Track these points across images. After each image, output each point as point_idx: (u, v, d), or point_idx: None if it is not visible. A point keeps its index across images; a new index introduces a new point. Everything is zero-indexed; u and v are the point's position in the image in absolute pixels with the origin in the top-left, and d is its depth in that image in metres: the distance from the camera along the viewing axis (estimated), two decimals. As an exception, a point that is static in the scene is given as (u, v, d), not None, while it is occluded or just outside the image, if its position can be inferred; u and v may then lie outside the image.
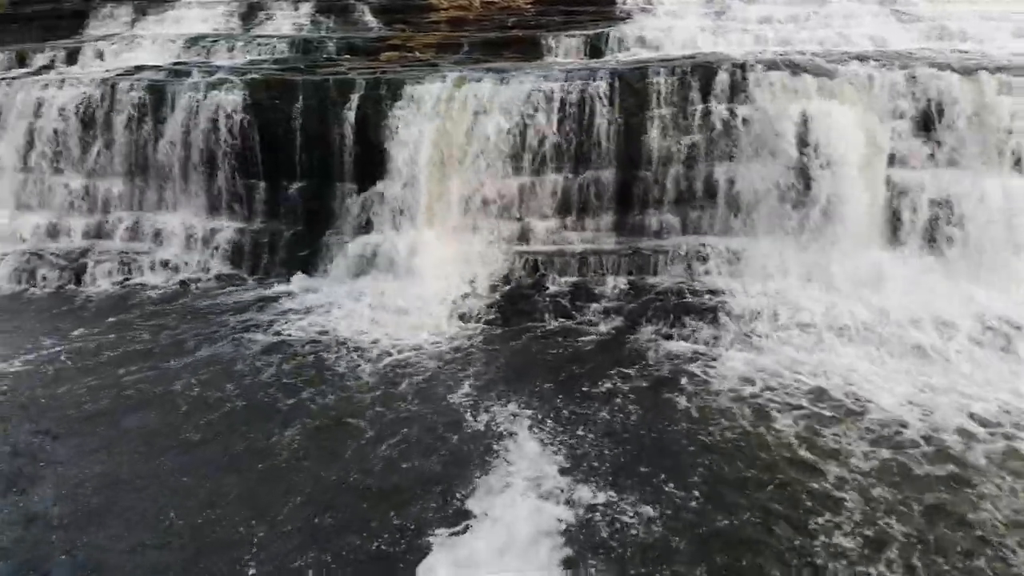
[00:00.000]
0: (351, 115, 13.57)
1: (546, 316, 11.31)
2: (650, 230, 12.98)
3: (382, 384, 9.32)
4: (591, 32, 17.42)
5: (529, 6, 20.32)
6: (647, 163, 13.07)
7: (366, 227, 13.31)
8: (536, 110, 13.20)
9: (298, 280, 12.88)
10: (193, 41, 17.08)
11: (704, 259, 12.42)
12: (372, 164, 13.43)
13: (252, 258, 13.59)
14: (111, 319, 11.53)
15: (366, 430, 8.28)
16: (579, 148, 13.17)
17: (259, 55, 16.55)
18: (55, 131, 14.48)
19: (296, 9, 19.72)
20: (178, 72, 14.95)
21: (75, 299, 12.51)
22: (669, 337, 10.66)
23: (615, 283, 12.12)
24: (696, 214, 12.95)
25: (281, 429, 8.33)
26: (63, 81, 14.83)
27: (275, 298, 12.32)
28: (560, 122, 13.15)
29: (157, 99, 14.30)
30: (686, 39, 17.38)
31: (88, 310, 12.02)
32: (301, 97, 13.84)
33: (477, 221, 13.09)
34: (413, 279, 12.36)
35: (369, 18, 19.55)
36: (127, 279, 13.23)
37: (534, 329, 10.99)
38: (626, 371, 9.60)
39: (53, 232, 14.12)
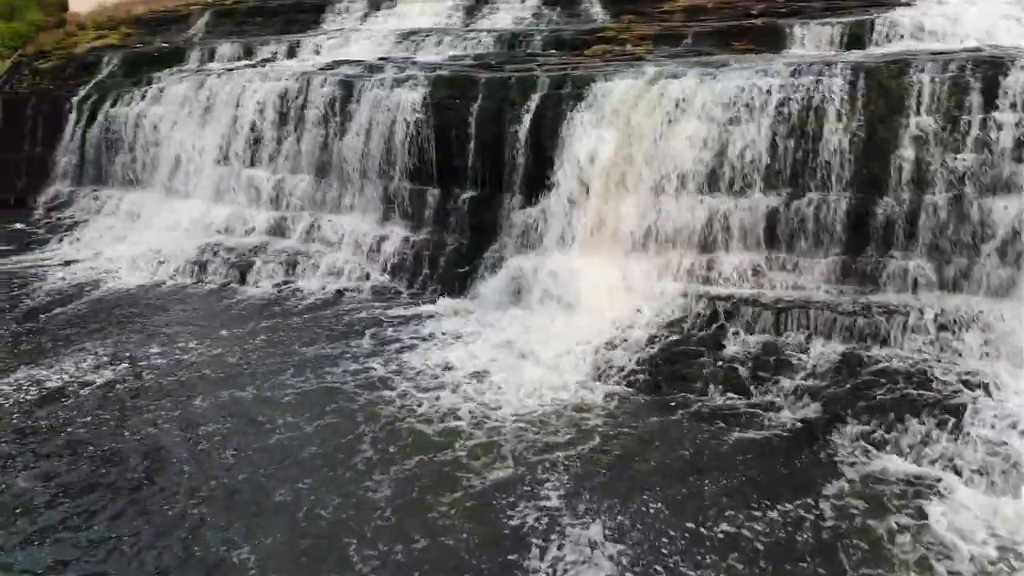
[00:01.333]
0: (527, 118, 11.80)
1: (711, 388, 8.62)
2: (889, 280, 9.64)
3: (435, 470, 7.31)
4: (851, 19, 13.93)
5: (788, -9, 17.05)
6: (895, 188, 9.74)
7: (528, 246, 11.48)
8: (746, 113, 10.43)
9: (444, 303, 11.43)
10: (405, 36, 16.41)
11: (962, 329, 8.89)
12: (543, 174, 11.56)
13: (412, 270, 12.40)
14: (253, 324, 10.92)
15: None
16: (800, 163, 10.17)
17: (464, 50, 15.39)
18: (253, 123, 14.45)
19: (522, 1, 18.37)
20: (373, 68, 14.22)
21: (232, 298, 12.19)
22: (882, 445, 7.48)
23: (822, 351, 9.04)
24: (959, 264, 9.37)
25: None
26: (267, 74, 14.79)
27: (419, 319, 10.97)
28: (777, 130, 10.24)
29: (346, 95, 13.65)
30: (981, 29, 13.22)
31: (238, 312, 11.57)
32: (480, 96, 12.36)
33: (654, 249, 10.66)
34: (563, 314, 10.30)
35: (597, 9, 17.59)
36: (288, 282, 12.70)
37: (690, 404, 8.39)
38: (801, 499, 6.71)
39: (238, 226, 14.09)
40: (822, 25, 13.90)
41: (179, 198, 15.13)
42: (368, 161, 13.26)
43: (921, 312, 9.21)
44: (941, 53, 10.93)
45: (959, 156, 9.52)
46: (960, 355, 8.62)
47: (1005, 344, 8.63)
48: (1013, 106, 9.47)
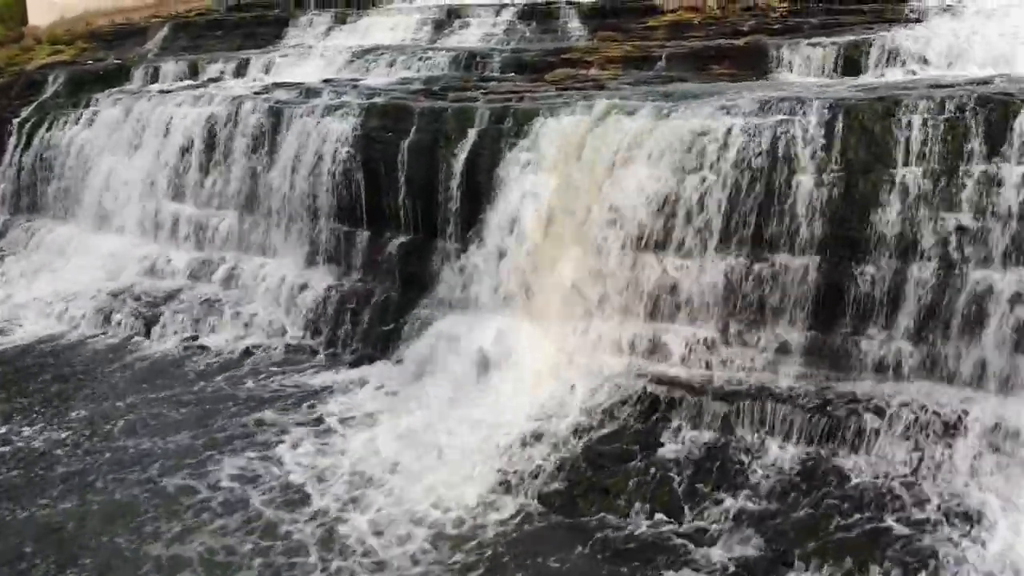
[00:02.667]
0: (462, 155, 10.32)
1: (636, 507, 7.02)
2: (864, 365, 8.00)
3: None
4: (845, 39, 12.26)
5: (783, 3, 15.39)
6: (876, 252, 8.10)
7: (459, 304, 10.00)
8: (704, 159, 8.84)
9: (357, 373, 10.00)
10: (359, 55, 14.99)
11: (950, 434, 7.23)
12: (479, 220, 10.08)
13: (333, 325, 10.96)
14: (131, 398, 9.55)
15: None
16: (764, 219, 8.56)
17: (416, 72, 13.94)
18: (180, 153, 13.15)
19: (497, 15, 16.85)
20: (309, 92, 12.82)
21: (125, 358, 10.85)
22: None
23: (777, 457, 7.43)
24: (951, 349, 7.71)
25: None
26: (199, 98, 13.47)
27: (323, 393, 9.52)
28: (738, 180, 8.64)
29: (274, 123, 12.27)
30: (997, 53, 11.51)
31: (121, 379, 10.22)
32: (414, 129, 10.89)
33: (596, 315, 9.11)
34: (487, 392, 8.80)
35: (574, 24, 16.04)
36: (194, 337, 11.33)
37: (607, 531, 6.79)
38: None
39: (157, 267, 12.80)
40: (813, 47, 12.25)
41: (106, 232, 13.87)
42: (295, 198, 11.86)
43: (901, 409, 7.57)
44: (942, 86, 9.25)
45: (954, 216, 7.87)
46: (947, 470, 6.97)
47: (1006, 457, 6.97)
48: (1015, 156, 7.80)
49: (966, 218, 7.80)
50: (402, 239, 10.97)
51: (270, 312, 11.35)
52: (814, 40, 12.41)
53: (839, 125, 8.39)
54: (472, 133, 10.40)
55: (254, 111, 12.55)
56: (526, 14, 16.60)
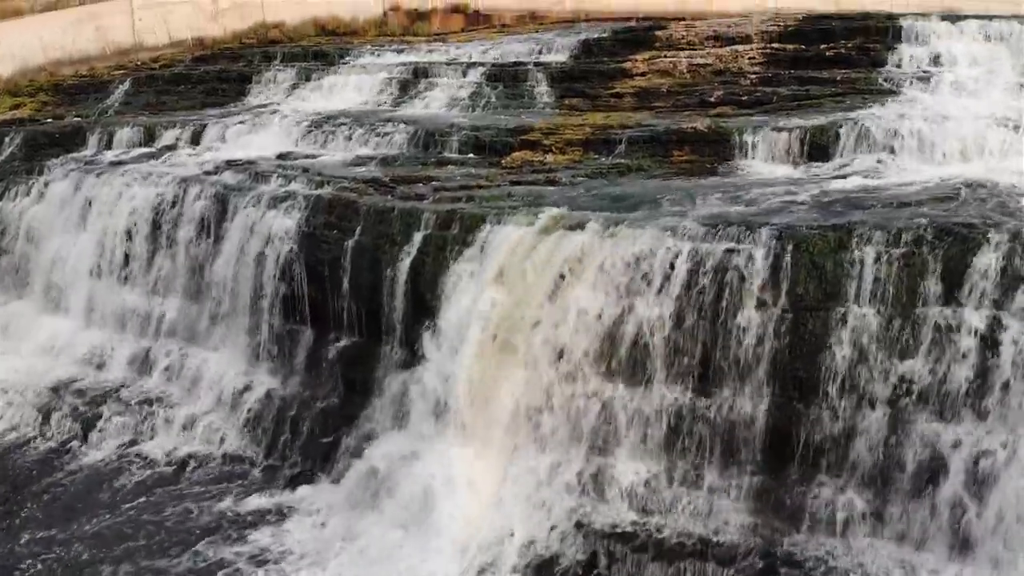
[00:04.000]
0: (406, 262, 9.91)
1: None
2: (815, 518, 7.59)
3: None
4: (812, 123, 11.84)
5: (754, 68, 14.97)
6: (826, 396, 7.69)
7: (401, 422, 9.59)
8: (649, 284, 8.43)
9: (292, 497, 9.56)
10: (317, 124, 14.52)
11: (900, 607, 6.84)
12: (423, 330, 9.66)
13: (274, 433, 10.54)
14: (48, 531, 9.09)
15: None
16: (711, 352, 8.14)
17: (373, 148, 13.48)
18: (126, 234, 12.72)
19: (464, 75, 16.40)
20: (259, 176, 12.36)
21: (61, 469, 10.43)
22: None
23: (717, 626, 7.02)
24: (901, 507, 7.30)
25: None
26: (147, 176, 13.04)
27: (255, 523, 9.10)
28: (685, 308, 8.23)
29: (220, 211, 11.86)
30: (970, 138, 11.11)
31: (51, 499, 9.77)
32: (358, 230, 10.47)
33: (538, 446, 8.70)
34: (418, 535, 8.38)
35: (543, 88, 15.59)
36: (134, 442, 10.92)
37: None
38: None
39: (101, 356, 12.39)
40: (777, 131, 11.83)
41: (53, 314, 13.44)
42: (239, 291, 11.44)
43: (857, 569, 7.16)
44: (902, 204, 8.80)
45: (907, 363, 7.45)
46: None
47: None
48: (980, 301, 7.39)
49: (920, 366, 7.40)
50: (345, 342, 10.56)
51: (211, 416, 10.92)
52: (779, 124, 11.97)
53: (788, 258, 7.98)
54: (417, 238, 9.98)
55: (200, 196, 12.13)
56: (494, 76, 16.16)
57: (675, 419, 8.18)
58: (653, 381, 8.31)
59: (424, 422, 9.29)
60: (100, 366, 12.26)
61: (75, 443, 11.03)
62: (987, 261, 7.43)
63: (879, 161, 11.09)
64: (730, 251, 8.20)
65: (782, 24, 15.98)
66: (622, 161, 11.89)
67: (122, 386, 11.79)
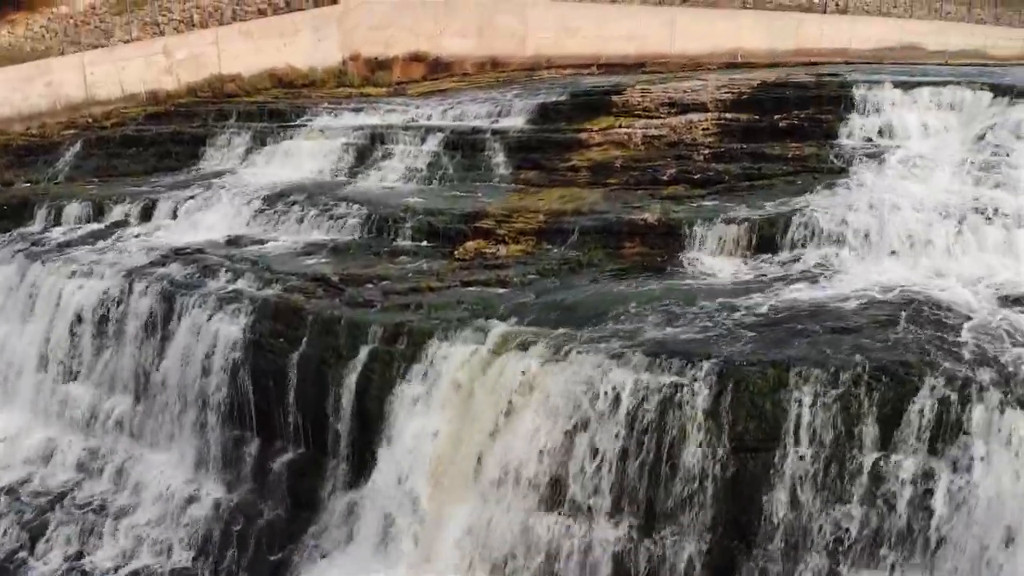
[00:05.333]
0: (352, 378, 9.82)
1: None
2: (754, 662, 7.64)
3: None
4: (761, 214, 11.93)
5: (708, 140, 15.03)
6: (765, 541, 7.73)
7: (346, 544, 9.50)
8: (594, 415, 8.42)
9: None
10: (270, 201, 14.34)
11: None
12: (370, 448, 9.60)
13: (220, 547, 10.39)
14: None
15: None
16: (653, 489, 8.16)
17: (326, 232, 13.37)
18: (72, 328, 12.49)
19: (422, 143, 16.28)
20: (207, 269, 12.19)
21: (4, 586, 10.24)
22: None
23: None
24: (841, 661, 7.36)
25: None
26: (93, 267, 12.81)
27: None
28: (628, 442, 8.23)
29: (166, 309, 11.69)
30: (917, 231, 11.25)
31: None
32: (304, 340, 10.36)
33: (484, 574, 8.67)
34: None
35: (500, 159, 15.54)
36: (81, 555, 10.73)
37: None
38: None
39: (49, 456, 12.15)
40: (727, 224, 11.89)
41: (1, 408, 13.15)
42: (186, 393, 11.30)
43: None
44: (845, 330, 8.84)
45: (842, 508, 7.52)
46: None
47: None
48: (914, 448, 7.47)
49: (856, 511, 7.46)
50: (292, 455, 10.45)
51: (158, 529, 10.75)
52: (729, 215, 12.03)
53: (728, 397, 8.01)
54: (364, 352, 9.89)
55: (146, 293, 11.95)
56: (451, 144, 16.07)
57: (619, 557, 8.17)
58: (599, 517, 8.30)
59: (372, 544, 9.23)
60: (47, 465, 12.03)
61: (22, 554, 10.81)
62: (922, 407, 7.50)
63: (825, 257, 11.23)
64: (674, 385, 8.20)
65: (737, 91, 16.03)
66: (574, 255, 11.88)
67: (71, 489, 11.58)
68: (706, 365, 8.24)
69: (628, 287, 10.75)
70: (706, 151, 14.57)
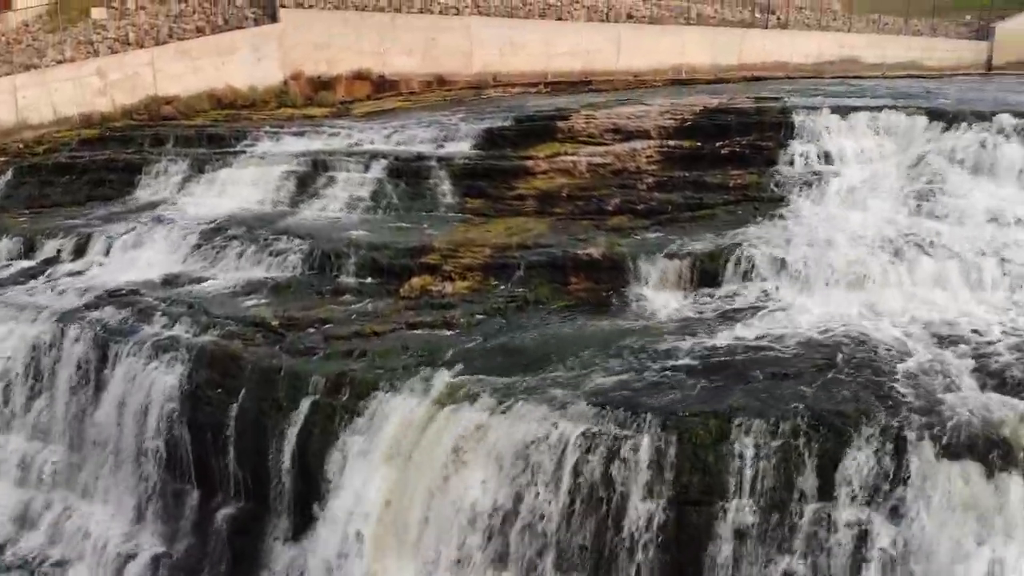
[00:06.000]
0: (293, 432, 9.62)
1: None
2: None
3: None
4: (703, 248, 12.03)
5: (652, 169, 15.11)
6: (710, 593, 7.77)
7: (291, 604, 9.31)
8: (537, 471, 8.37)
9: None
10: (206, 238, 13.98)
11: None
12: (312, 503, 9.40)
13: (160, 608, 10.12)
14: None
15: None
16: (600, 546, 8.14)
17: (266, 270, 13.06)
18: (4, 375, 12.03)
19: (365, 170, 16.04)
20: (142, 312, 11.85)
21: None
22: None
23: None
24: None
25: None
26: (22, 310, 12.35)
27: None
28: (573, 496, 8.20)
29: (101, 356, 11.33)
30: (855, 268, 11.43)
31: None
32: (243, 392, 10.12)
33: (431, 638, 8.56)
34: None
35: (446, 187, 15.40)
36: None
37: None
38: None
39: (-21, 513, 11.67)
40: (669, 258, 11.95)
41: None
42: (123, 444, 10.98)
43: None
44: (784, 376, 8.93)
45: (785, 559, 7.60)
46: None
47: None
48: (853, 498, 7.58)
49: (798, 565, 7.54)
50: (233, 509, 10.21)
51: (93, 588, 10.41)
52: (672, 249, 12.10)
53: (672, 449, 8.03)
54: (305, 405, 9.70)
55: (79, 339, 11.55)
56: (396, 172, 15.86)
57: (568, 615, 8.14)
58: (544, 572, 8.25)
59: (315, 610, 9.05)
60: (-20, 522, 11.56)
61: (-52, 621, 10.38)
62: (858, 457, 7.62)
63: (764, 292, 11.38)
64: (618, 438, 8.20)
65: (679, 118, 16.16)
66: (520, 291, 11.80)
67: (5, 545, 11.14)
68: (650, 417, 8.25)
69: (574, 327, 10.73)
70: (650, 180, 14.66)
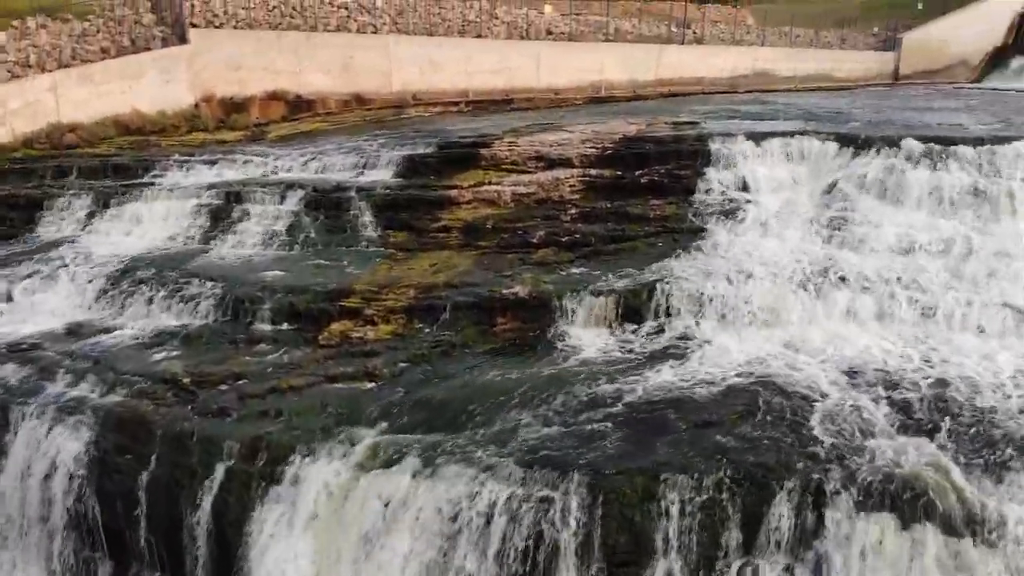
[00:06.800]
0: (208, 501, 9.19)
1: None
2: None
3: None
4: (627, 283, 12.09)
5: (575, 198, 15.14)
6: (639, 654, 7.75)
7: None
8: (465, 534, 8.20)
9: None
10: (114, 281, 13.30)
11: None
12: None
13: None
14: None
15: None
16: (530, 611, 8.04)
17: (177, 316, 12.51)
18: None
19: (281, 202, 15.59)
20: (44, 370, 11.17)
21: None
22: None
23: None
24: None
25: None
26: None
27: None
28: (500, 564, 8.07)
29: (1, 420, 10.59)
30: (770, 300, 11.67)
31: None
32: (154, 459, 9.62)
33: None
34: None
35: (367, 219, 15.07)
36: None
37: None
38: None
39: None
40: (595, 296, 11.96)
41: None
42: (28, 512, 10.30)
43: None
44: (705, 425, 9.00)
45: (714, 618, 7.64)
46: None
47: None
48: (777, 552, 7.67)
49: (726, 623, 7.60)
50: (148, 581, 9.71)
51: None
52: (598, 286, 12.10)
53: (599, 511, 7.98)
54: (220, 471, 9.26)
55: (-27, 404, 10.79)
56: (313, 203, 15.48)
57: None
58: (475, 642, 8.09)
59: None
60: None
61: None
62: (780, 512, 7.71)
63: (686, 328, 11.50)
64: (545, 500, 8.09)
65: (600, 146, 16.25)
66: (446, 336, 11.59)
67: None
68: (577, 476, 8.17)
69: (501, 373, 10.57)
70: (573, 210, 14.69)
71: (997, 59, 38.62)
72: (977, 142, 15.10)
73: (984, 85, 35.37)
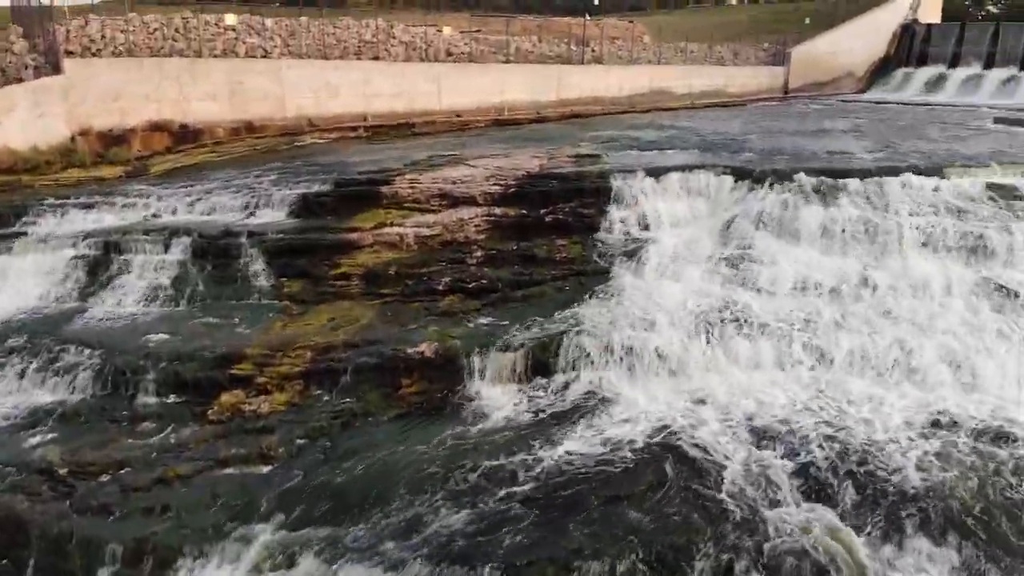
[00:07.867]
0: (88, 617, 8.44)
1: None
2: None
3: None
4: (533, 336, 11.89)
5: (480, 239, 14.82)
6: None
7: None
8: (372, 643, 7.79)
9: None
10: (-20, 349, 12.20)
11: None
12: None
13: None
14: None
15: None
16: None
17: (52, 391, 11.49)
18: None
19: (165, 250, 14.59)
20: None
21: None
22: None
23: None
24: None
25: None
26: None
27: None
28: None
29: None
30: (672, 356, 11.69)
31: None
32: (32, 565, 8.75)
33: None
34: None
35: (258, 267, 14.28)
36: None
37: None
38: None
39: None
40: (503, 351, 11.69)
41: None
42: None
43: None
44: (614, 500, 8.86)
45: None
46: None
47: None
48: (688, 640, 7.58)
49: None
50: None
51: None
52: (505, 341, 11.82)
53: (511, 608, 7.72)
54: (103, 578, 8.54)
55: None
56: (201, 251, 14.54)
57: None
58: None
59: None
60: None
61: None
62: (692, 599, 7.65)
63: (594, 382, 11.43)
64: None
65: (504, 183, 15.98)
66: (347, 403, 11.05)
67: None
68: (488, 571, 7.88)
69: (406, 447, 10.13)
70: (479, 253, 14.38)
71: (881, 70, 40.60)
72: (865, 174, 15.68)
73: (869, 97, 37.11)
